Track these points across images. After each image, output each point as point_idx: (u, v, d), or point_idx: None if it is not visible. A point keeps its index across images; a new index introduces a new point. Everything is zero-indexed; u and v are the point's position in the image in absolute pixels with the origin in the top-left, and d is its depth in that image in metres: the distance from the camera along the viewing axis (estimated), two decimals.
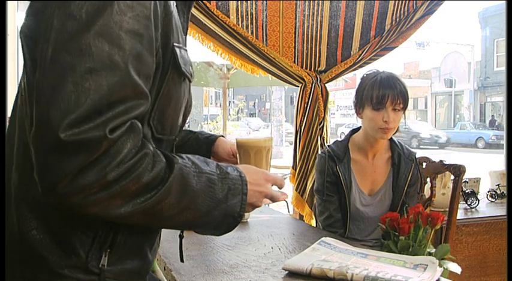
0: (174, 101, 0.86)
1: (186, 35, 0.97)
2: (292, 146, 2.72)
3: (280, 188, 1.02)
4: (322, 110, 2.62)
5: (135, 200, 0.72)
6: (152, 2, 0.75)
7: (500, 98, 22.56)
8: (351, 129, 2.08)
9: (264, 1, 2.54)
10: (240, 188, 0.87)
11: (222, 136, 1.30)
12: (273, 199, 0.98)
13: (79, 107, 0.66)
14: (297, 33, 2.62)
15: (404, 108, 1.89)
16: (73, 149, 0.66)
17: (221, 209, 0.84)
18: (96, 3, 0.69)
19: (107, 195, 0.69)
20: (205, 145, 1.25)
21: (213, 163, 0.86)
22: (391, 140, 2.01)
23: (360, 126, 2.01)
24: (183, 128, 1.04)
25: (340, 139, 2.06)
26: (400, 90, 1.86)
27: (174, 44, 0.82)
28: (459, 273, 1.63)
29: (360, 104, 1.92)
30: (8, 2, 2.75)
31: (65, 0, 0.69)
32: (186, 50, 0.88)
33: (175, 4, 0.85)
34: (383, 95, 1.84)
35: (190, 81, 0.92)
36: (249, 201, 0.89)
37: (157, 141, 0.84)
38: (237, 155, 1.13)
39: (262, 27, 2.55)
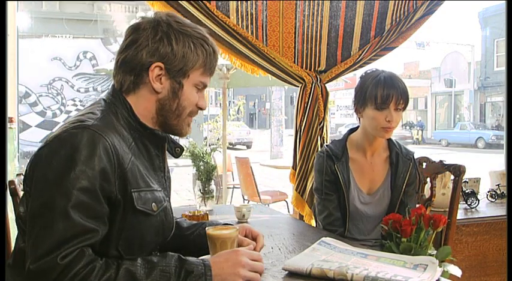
0: (140, 233, 1.14)
1: (165, 173, 1.29)
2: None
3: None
4: (322, 110, 2.61)
5: None
6: (100, 166, 1.04)
7: (500, 98, 22.54)
8: (349, 128, 2.09)
9: (264, 1, 2.54)
10: (203, 271, 1.07)
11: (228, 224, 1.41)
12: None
13: (42, 246, 0.98)
14: (297, 33, 2.62)
15: (405, 107, 1.89)
16: (36, 275, 0.97)
17: None
18: (62, 170, 1.02)
19: None
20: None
21: (174, 256, 1.09)
22: (389, 139, 2.01)
23: (358, 126, 2.01)
24: None
25: (338, 138, 2.06)
26: (403, 90, 1.86)
27: (132, 190, 1.10)
28: (459, 276, 1.63)
29: (361, 103, 1.91)
30: (8, 2, 2.75)
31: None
32: (151, 190, 1.16)
33: (131, 159, 1.12)
34: (387, 94, 1.83)
35: (154, 216, 1.16)
36: None
37: (129, 259, 1.08)
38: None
39: (262, 27, 2.55)
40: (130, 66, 1.18)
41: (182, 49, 1.17)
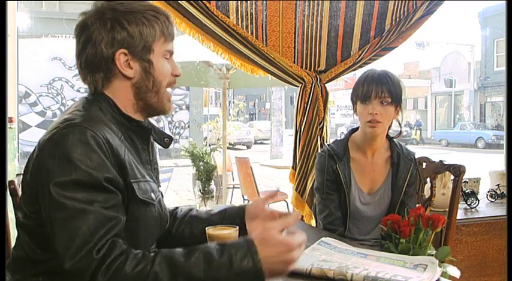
0: (142, 223, 1.15)
1: (152, 165, 1.28)
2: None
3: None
4: (322, 110, 2.61)
5: None
6: (98, 161, 1.03)
7: (500, 98, 22.54)
8: (351, 128, 2.09)
9: (264, 1, 2.54)
10: (246, 248, 1.00)
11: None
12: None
13: (72, 244, 0.97)
14: (296, 33, 2.62)
15: (394, 102, 1.89)
16: (74, 274, 0.97)
17: (230, 272, 0.98)
18: (61, 173, 1.01)
19: None
20: (238, 217, 1.37)
21: (215, 243, 1.05)
22: (390, 140, 2.01)
23: (359, 126, 2.02)
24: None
25: (339, 138, 2.07)
26: (387, 83, 1.88)
27: (131, 180, 1.11)
28: (458, 277, 1.63)
29: (352, 101, 1.98)
30: (8, 2, 2.75)
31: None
32: (146, 181, 1.17)
33: (125, 150, 1.12)
34: (368, 88, 1.89)
35: (154, 205, 1.19)
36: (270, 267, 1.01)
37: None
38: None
39: (262, 27, 2.55)
40: (95, 65, 1.17)
41: (137, 28, 1.16)
